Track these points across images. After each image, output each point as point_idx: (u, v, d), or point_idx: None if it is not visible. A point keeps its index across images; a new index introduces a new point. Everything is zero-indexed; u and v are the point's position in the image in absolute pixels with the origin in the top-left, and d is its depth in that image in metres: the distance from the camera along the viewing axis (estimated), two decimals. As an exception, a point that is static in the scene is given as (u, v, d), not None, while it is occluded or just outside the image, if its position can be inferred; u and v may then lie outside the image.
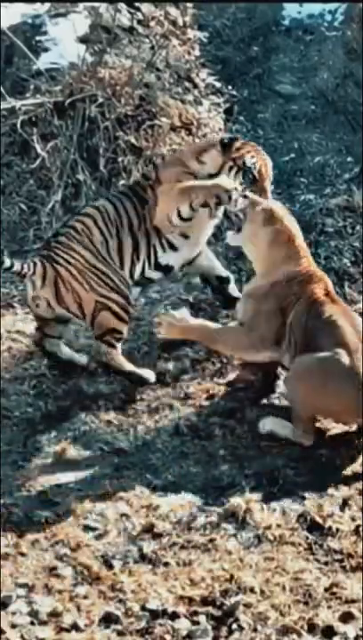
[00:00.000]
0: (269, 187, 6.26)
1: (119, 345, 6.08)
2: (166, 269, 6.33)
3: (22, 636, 4.30)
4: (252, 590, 4.51)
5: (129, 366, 6.06)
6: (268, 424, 5.55)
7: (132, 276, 6.21)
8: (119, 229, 6.17)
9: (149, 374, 6.04)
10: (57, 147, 7.65)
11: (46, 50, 8.41)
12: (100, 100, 7.76)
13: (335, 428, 5.56)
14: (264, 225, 5.78)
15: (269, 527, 4.88)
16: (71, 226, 6.18)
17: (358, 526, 4.89)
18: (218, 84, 8.54)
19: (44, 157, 7.60)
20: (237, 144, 6.26)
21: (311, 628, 4.35)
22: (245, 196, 5.94)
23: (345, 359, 5.37)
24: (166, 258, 6.27)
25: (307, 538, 4.86)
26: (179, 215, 6.13)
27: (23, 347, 6.26)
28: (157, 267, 6.28)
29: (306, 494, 5.10)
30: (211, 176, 6.19)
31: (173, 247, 6.27)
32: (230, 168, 6.20)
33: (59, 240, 6.14)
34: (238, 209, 5.94)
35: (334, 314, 5.58)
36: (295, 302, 5.65)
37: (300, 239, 5.85)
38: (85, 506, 5.01)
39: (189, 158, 6.29)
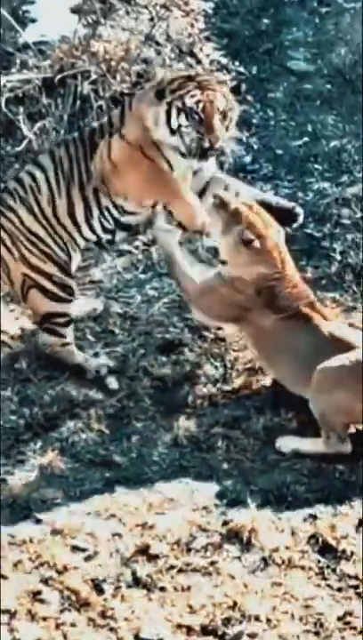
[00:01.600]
0: (217, 125, 5.95)
1: (69, 330, 6.02)
2: (127, 228, 6.20)
3: (3, 668, 4.31)
4: (257, 619, 4.53)
5: (78, 357, 6.01)
6: (290, 443, 5.56)
7: (86, 239, 6.12)
8: (70, 186, 6.06)
9: (104, 364, 6.01)
10: (45, 127, 7.65)
11: (34, 21, 8.42)
12: (94, 76, 7.77)
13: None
14: (224, 232, 5.79)
15: (276, 549, 4.90)
16: (19, 179, 6.13)
17: (374, 549, 4.91)
18: (224, 60, 8.55)
19: (30, 139, 7.60)
20: (174, 85, 6.00)
21: (322, 660, 4.37)
22: (214, 195, 5.89)
23: None
24: (127, 218, 6.14)
25: (318, 561, 4.87)
26: None
27: (6, 348, 6.26)
28: (118, 225, 6.13)
29: (318, 513, 5.10)
30: None
31: (126, 212, 6.12)
32: (168, 112, 5.93)
33: (1, 197, 6.11)
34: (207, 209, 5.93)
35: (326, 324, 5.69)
36: (263, 313, 5.71)
37: (272, 243, 5.79)
38: (74, 524, 5.01)
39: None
